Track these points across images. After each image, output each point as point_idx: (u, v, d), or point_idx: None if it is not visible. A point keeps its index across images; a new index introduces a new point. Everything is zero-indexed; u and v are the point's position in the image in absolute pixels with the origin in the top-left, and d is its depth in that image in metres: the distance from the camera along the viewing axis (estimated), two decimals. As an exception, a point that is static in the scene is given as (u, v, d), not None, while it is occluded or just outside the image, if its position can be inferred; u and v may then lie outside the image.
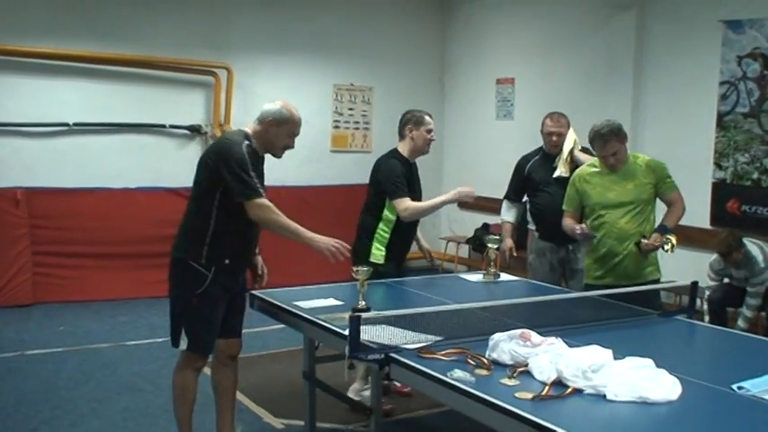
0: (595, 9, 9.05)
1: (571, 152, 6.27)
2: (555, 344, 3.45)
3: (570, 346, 3.45)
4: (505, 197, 6.68)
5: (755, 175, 7.50)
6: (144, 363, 6.82)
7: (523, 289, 5.41)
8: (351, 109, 10.84)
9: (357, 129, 10.93)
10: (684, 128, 8.20)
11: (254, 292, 4.85)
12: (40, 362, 6.81)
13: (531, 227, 6.75)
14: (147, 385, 6.25)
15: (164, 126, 9.63)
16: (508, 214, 6.63)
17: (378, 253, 5.56)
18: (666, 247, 5.10)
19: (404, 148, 5.70)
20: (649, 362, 3.25)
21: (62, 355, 7.01)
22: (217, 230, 4.47)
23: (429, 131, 5.68)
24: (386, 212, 5.56)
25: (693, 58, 8.10)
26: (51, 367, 6.67)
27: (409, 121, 5.69)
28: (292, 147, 4.70)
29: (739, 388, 3.20)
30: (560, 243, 6.26)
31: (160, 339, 7.40)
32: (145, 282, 8.95)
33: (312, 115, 10.18)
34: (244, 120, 9.25)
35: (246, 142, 4.49)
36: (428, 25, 11.41)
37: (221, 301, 4.56)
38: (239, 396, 5.22)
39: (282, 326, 4.83)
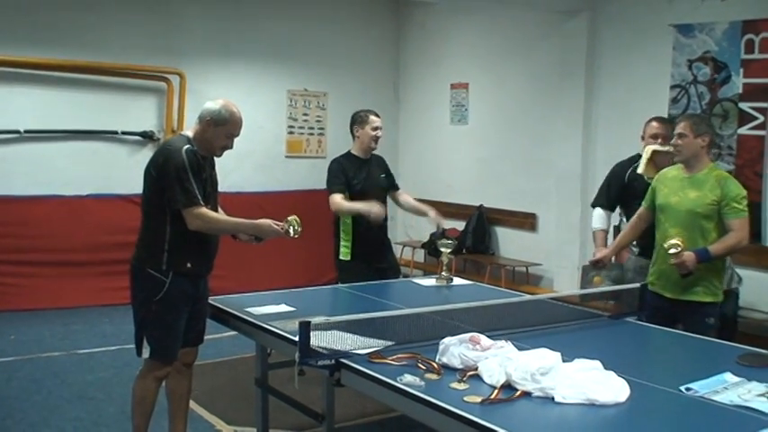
0: (547, 15, 9.10)
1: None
2: (504, 347, 3.45)
3: (520, 349, 3.46)
4: (597, 205, 6.17)
5: (706, 178, 7.56)
6: (96, 371, 6.75)
7: (475, 293, 5.40)
8: (305, 114, 10.79)
9: (312, 134, 10.88)
10: (636, 131, 8.17)
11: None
12: (-9, 372, 6.73)
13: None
14: (98, 394, 6.19)
15: (116, 132, 9.53)
16: (601, 222, 6.09)
17: (345, 250, 6.10)
18: (672, 250, 4.72)
19: (355, 148, 6.20)
20: (597, 364, 3.27)
21: (13, 364, 6.92)
22: (174, 236, 4.42)
23: (374, 129, 6.13)
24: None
25: (644, 62, 8.18)
26: (2, 376, 6.58)
27: (355, 122, 6.19)
28: (231, 147, 4.63)
29: (687, 389, 3.22)
30: None
31: (112, 348, 7.35)
32: (97, 289, 8.89)
33: (266, 121, 10.17)
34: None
35: (187, 146, 4.43)
36: (382, 31, 11.41)
37: (182, 307, 4.50)
38: (191, 404, 5.17)
39: (235, 332, 4.79)
